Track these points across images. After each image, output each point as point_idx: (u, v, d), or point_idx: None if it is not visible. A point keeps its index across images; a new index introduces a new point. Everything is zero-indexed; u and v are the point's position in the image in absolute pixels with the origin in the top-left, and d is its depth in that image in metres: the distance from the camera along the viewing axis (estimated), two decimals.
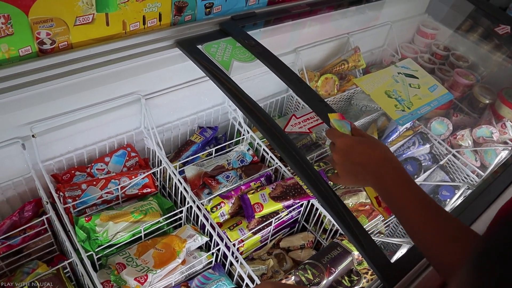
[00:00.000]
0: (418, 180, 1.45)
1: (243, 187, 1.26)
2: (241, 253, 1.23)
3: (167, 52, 1.23)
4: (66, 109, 1.14)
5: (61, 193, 1.14)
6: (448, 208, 1.39)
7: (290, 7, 1.49)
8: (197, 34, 1.28)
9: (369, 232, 0.89)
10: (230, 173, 1.29)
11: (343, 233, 1.25)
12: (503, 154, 1.51)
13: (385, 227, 1.46)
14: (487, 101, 1.75)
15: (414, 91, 1.34)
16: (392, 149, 1.55)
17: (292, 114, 1.18)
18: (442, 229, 0.71)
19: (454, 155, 1.55)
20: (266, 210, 1.21)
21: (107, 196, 1.19)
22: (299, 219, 1.34)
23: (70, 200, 1.14)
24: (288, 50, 1.55)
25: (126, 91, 1.23)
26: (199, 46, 1.23)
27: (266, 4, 1.47)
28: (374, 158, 0.81)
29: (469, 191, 1.34)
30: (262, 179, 1.31)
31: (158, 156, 1.28)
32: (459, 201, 1.37)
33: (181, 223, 1.24)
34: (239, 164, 1.33)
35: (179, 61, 1.25)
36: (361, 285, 1.16)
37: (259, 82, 1.47)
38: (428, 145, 1.56)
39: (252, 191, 1.25)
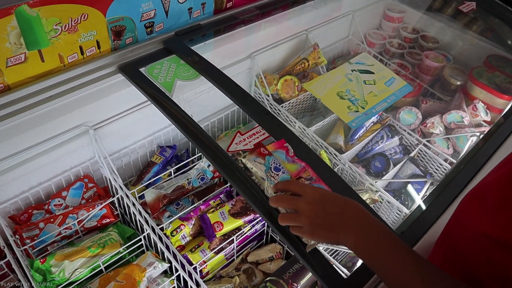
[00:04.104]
0: (387, 177, 1.41)
1: (202, 207, 1.25)
2: (206, 273, 1.22)
3: (111, 79, 1.21)
4: (13, 150, 1.13)
5: (17, 236, 1.14)
6: (417, 202, 1.35)
7: (239, 13, 1.45)
8: (140, 56, 1.25)
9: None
10: (181, 201, 1.28)
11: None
12: (474, 139, 1.45)
13: None
14: (459, 83, 1.69)
15: (369, 88, 1.29)
16: (360, 145, 1.51)
17: (237, 131, 1.15)
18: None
19: (425, 145, 1.50)
20: (227, 228, 1.20)
21: (66, 232, 1.18)
22: (265, 231, 1.32)
23: (28, 241, 1.14)
24: (242, 57, 1.51)
25: (74, 124, 1.21)
26: (142, 69, 1.21)
27: (213, 13, 1.43)
28: (351, 210, 0.74)
29: (433, 188, 1.30)
30: (222, 195, 1.29)
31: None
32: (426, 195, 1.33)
33: (144, 249, 1.23)
34: (199, 182, 1.31)
35: (125, 86, 1.23)
36: None
37: (213, 95, 1.44)
38: (397, 138, 1.51)
39: (212, 209, 1.23)
